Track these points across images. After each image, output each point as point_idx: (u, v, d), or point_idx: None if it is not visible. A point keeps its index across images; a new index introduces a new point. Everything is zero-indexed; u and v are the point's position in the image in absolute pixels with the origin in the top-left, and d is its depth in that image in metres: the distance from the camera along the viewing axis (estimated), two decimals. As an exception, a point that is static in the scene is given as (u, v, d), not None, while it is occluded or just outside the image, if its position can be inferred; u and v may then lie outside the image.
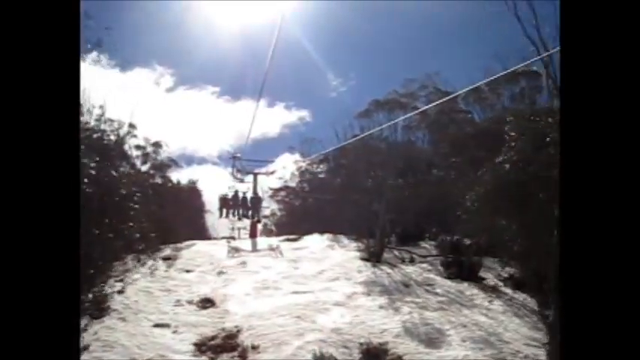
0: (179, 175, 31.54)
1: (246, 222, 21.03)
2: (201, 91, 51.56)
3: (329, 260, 14.18)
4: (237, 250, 15.69)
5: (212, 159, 47.46)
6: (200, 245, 16.39)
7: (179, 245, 15.58)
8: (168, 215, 18.71)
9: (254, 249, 16.49)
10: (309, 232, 18.50)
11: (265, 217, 34.41)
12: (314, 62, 45.64)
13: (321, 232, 18.12)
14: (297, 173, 35.02)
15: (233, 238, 20.94)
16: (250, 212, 19.58)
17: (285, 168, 29.78)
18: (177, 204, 24.13)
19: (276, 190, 34.55)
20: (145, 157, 24.34)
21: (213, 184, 25.20)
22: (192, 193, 30.22)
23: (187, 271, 12.96)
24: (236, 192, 19.49)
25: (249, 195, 19.68)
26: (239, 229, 30.71)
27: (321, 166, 33.54)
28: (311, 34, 35.71)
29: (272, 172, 24.77)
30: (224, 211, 19.62)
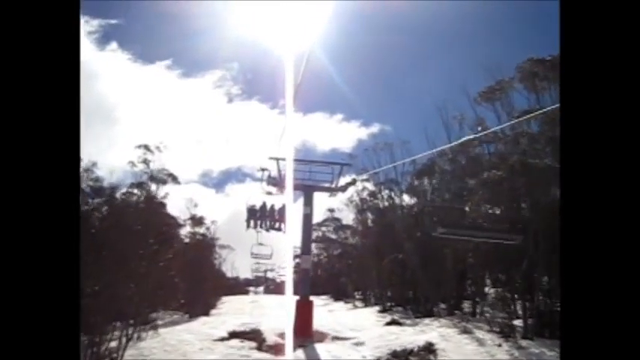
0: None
1: (276, 256, 20.96)
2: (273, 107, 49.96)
3: None
4: None
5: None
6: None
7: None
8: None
9: None
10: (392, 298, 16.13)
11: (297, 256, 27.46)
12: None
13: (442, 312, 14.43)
14: (356, 198, 25.40)
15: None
16: (278, 224, 16.81)
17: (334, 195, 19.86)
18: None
19: (318, 225, 28.08)
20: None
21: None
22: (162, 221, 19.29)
23: None
24: (264, 203, 16.87)
25: (278, 206, 16.77)
26: (266, 271, 31.18)
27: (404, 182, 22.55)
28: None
29: (339, 189, 17.28)
30: (252, 222, 17.01)
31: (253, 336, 13.24)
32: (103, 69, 56.88)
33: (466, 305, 18.05)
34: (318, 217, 25.69)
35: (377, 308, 21.34)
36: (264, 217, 17.16)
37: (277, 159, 15.99)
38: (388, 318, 17.19)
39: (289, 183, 13.60)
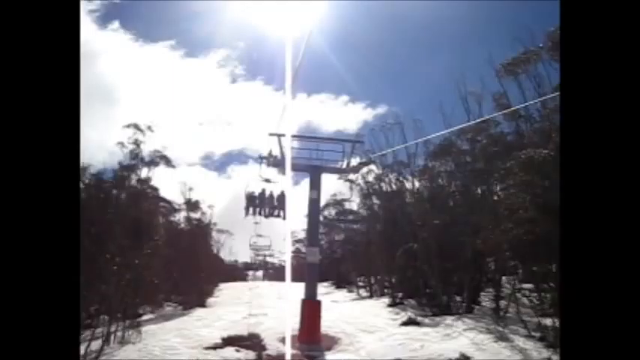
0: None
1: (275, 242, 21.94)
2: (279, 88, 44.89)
3: None
4: None
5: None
6: None
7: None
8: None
9: None
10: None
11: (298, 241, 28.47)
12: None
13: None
14: (361, 181, 23.10)
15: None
16: (277, 211, 15.24)
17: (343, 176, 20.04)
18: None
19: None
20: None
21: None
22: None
23: None
24: (263, 190, 15.55)
25: (276, 192, 15.31)
26: (265, 255, 30.35)
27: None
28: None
29: (351, 170, 15.09)
30: (250, 209, 15.65)
31: (251, 343, 11.44)
32: (104, 48, 54.52)
33: (486, 300, 16.46)
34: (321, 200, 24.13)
35: (385, 301, 20.44)
36: (263, 204, 15.86)
37: (279, 135, 13.81)
38: (402, 314, 15.95)
39: (288, 162, 11.71)
